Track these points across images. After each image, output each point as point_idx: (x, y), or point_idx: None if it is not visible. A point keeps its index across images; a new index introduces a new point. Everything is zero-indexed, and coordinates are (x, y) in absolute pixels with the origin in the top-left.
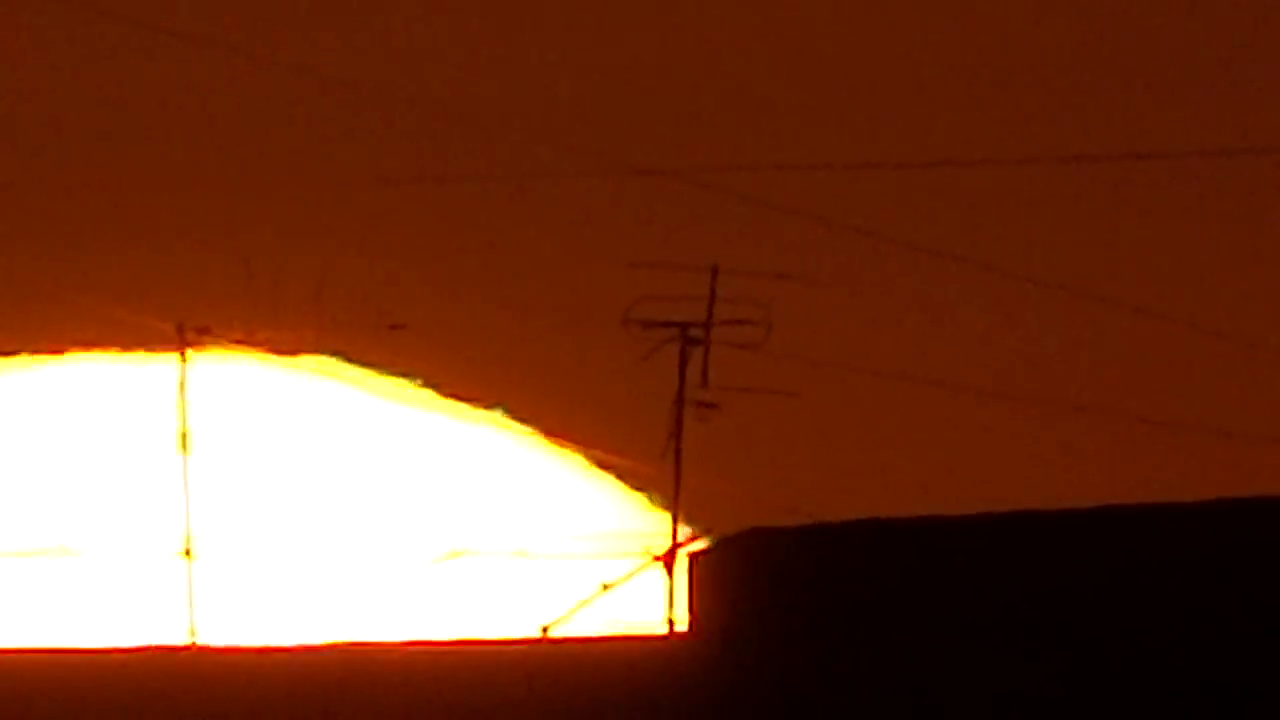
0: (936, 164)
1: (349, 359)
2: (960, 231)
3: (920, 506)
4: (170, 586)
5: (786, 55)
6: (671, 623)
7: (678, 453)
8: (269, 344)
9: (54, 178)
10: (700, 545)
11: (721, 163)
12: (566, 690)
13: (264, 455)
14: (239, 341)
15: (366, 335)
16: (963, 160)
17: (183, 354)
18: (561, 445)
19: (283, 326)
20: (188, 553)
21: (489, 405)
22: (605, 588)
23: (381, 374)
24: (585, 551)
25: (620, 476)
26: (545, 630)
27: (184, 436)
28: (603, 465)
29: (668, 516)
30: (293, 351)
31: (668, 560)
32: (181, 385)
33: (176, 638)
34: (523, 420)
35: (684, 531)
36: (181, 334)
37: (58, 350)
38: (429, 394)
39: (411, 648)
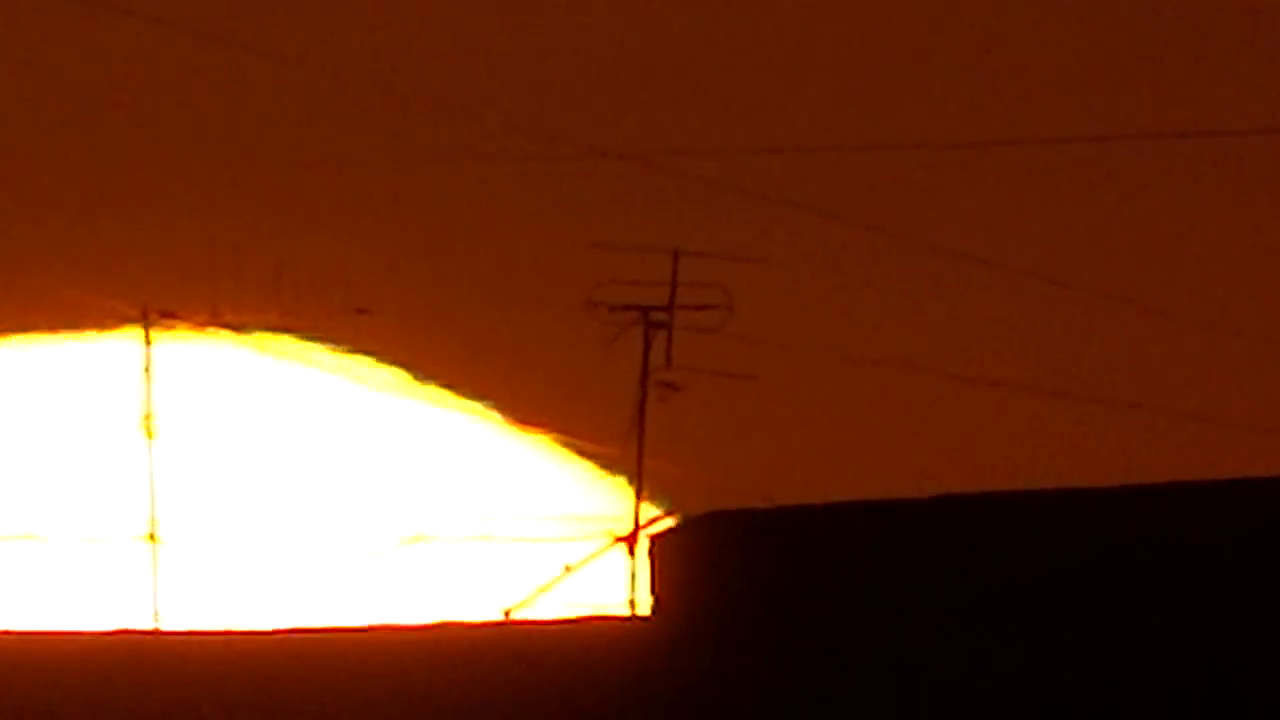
0: (899, 147)
1: (313, 342)
2: (923, 215)
3: (883, 489)
4: (134, 571)
5: (748, 39)
6: (634, 605)
7: (640, 435)
8: (233, 327)
9: (16, 161)
10: (662, 527)
11: (683, 146)
12: (529, 673)
13: (228, 439)
14: (203, 325)
15: (331, 318)
16: (925, 143)
17: (147, 337)
18: (524, 428)
19: (247, 310)
20: (152, 537)
21: (452, 388)
22: (568, 570)
23: (345, 357)
24: (548, 534)
25: (583, 459)
26: (507, 613)
27: (148, 420)
28: (566, 448)
29: (630, 498)
30: (257, 335)
31: (630, 542)
32: (146, 368)
33: (140, 622)
34: (486, 403)
35: (646, 514)
36: (146, 317)
37: (21, 333)
38: (392, 377)
39: (374, 631)
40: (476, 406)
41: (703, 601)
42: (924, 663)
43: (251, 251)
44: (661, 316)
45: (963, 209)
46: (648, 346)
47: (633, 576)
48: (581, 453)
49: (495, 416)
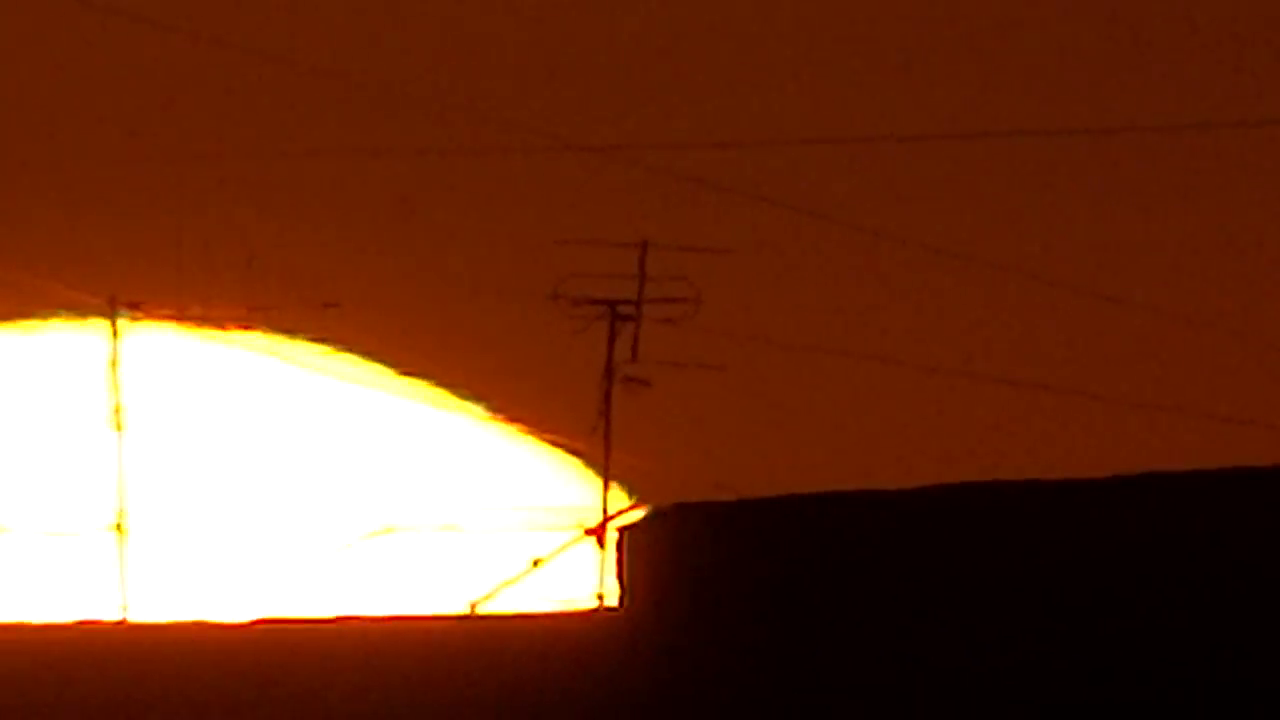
0: (865, 140)
1: (280, 334)
2: (889, 207)
3: (849, 480)
4: (102, 562)
5: (716, 34)
6: (601, 597)
7: (607, 427)
8: (201, 319)
9: None
10: (630, 519)
11: (651, 140)
12: (496, 666)
13: (196, 431)
14: (171, 316)
15: (298, 310)
16: (893, 136)
17: (115, 329)
18: (492, 420)
19: (215, 302)
20: (120, 528)
21: (419, 381)
22: (536, 564)
23: (313, 350)
24: (516, 525)
25: (551, 451)
26: (474, 606)
27: (116, 411)
28: (533, 440)
29: (598, 491)
30: (225, 327)
31: (598, 534)
32: (113, 360)
33: (108, 613)
34: (453, 396)
35: (614, 505)
36: (114, 309)
37: None
38: (359, 370)
39: (341, 623)
40: (444, 399)
41: (670, 593)
42: (891, 652)
43: (220, 244)
44: (628, 309)
45: (929, 202)
46: (613, 339)
47: (600, 569)
48: (549, 445)
49: (463, 409)
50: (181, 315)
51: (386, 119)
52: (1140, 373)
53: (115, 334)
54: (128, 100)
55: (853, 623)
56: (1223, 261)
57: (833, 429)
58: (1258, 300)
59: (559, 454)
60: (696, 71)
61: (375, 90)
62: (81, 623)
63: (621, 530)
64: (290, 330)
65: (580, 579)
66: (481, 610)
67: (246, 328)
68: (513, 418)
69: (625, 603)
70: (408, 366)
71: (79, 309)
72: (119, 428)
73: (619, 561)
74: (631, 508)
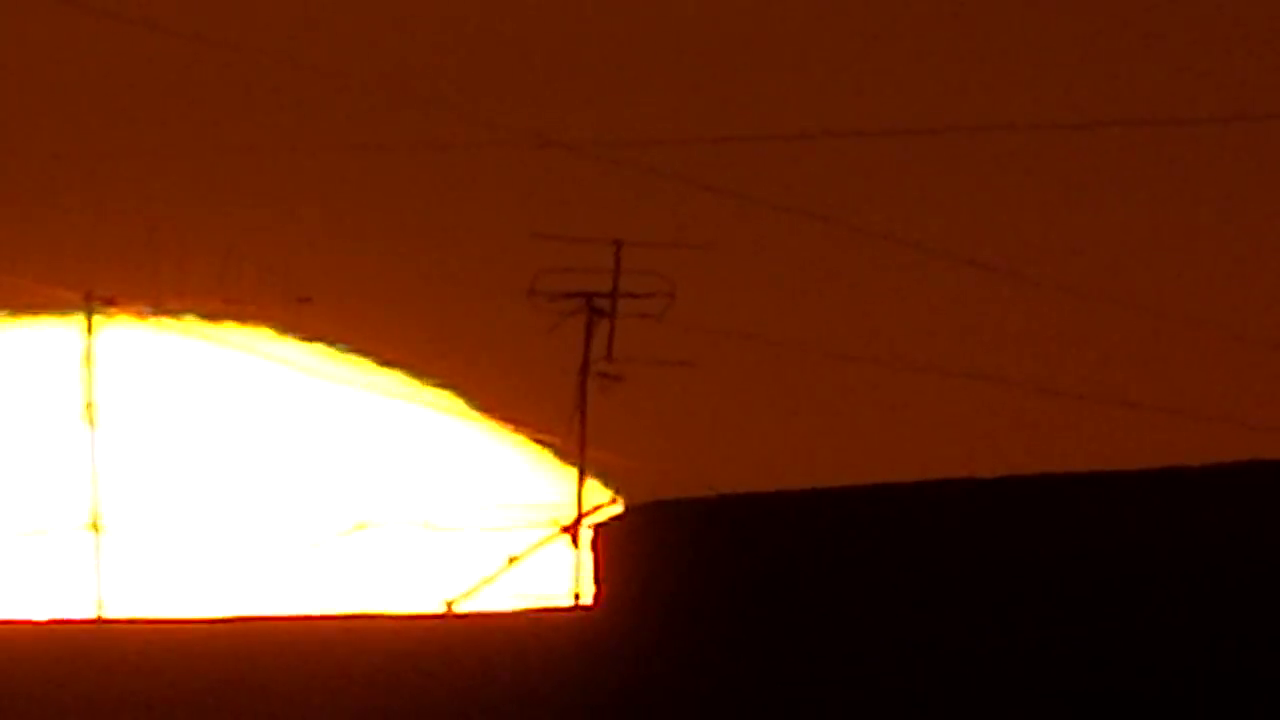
0: (839, 135)
1: (255, 329)
2: (865, 203)
3: (825, 477)
4: (77, 560)
5: (691, 30)
6: (577, 595)
7: (583, 424)
8: (176, 314)
9: None
10: (605, 516)
11: (625, 136)
12: (471, 664)
13: (171, 428)
14: (146, 312)
15: (273, 306)
16: (867, 131)
17: (89, 324)
18: (467, 416)
19: (189, 297)
20: (95, 526)
21: (394, 377)
22: (511, 561)
23: (288, 345)
24: (491, 523)
25: (526, 447)
26: (450, 604)
27: (90, 408)
28: (508, 436)
29: (573, 488)
30: (200, 322)
31: (573, 531)
32: (88, 356)
33: (83, 611)
34: (428, 391)
35: (589, 502)
36: (88, 304)
37: None
38: (334, 366)
39: (316, 621)
40: (419, 395)
41: (646, 590)
42: (868, 649)
43: (195, 239)
44: (604, 304)
45: (904, 196)
46: (589, 335)
47: (576, 566)
48: (524, 441)
49: (438, 405)
50: (156, 310)
51: (363, 114)
52: (1110, 369)
53: (90, 329)
54: (102, 95)
55: (830, 620)
56: (1218, 259)
57: (808, 425)
58: (1253, 299)
59: (534, 450)
60: (671, 67)
61: (351, 85)
62: (56, 621)
63: (597, 527)
64: (265, 325)
65: (556, 576)
66: (457, 608)
67: (222, 323)
68: (488, 412)
69: (600, 600)
70: (381, 362)
71: (54, 305)
72: (92, 424)
73: (595, 559)
74: (607, 505)
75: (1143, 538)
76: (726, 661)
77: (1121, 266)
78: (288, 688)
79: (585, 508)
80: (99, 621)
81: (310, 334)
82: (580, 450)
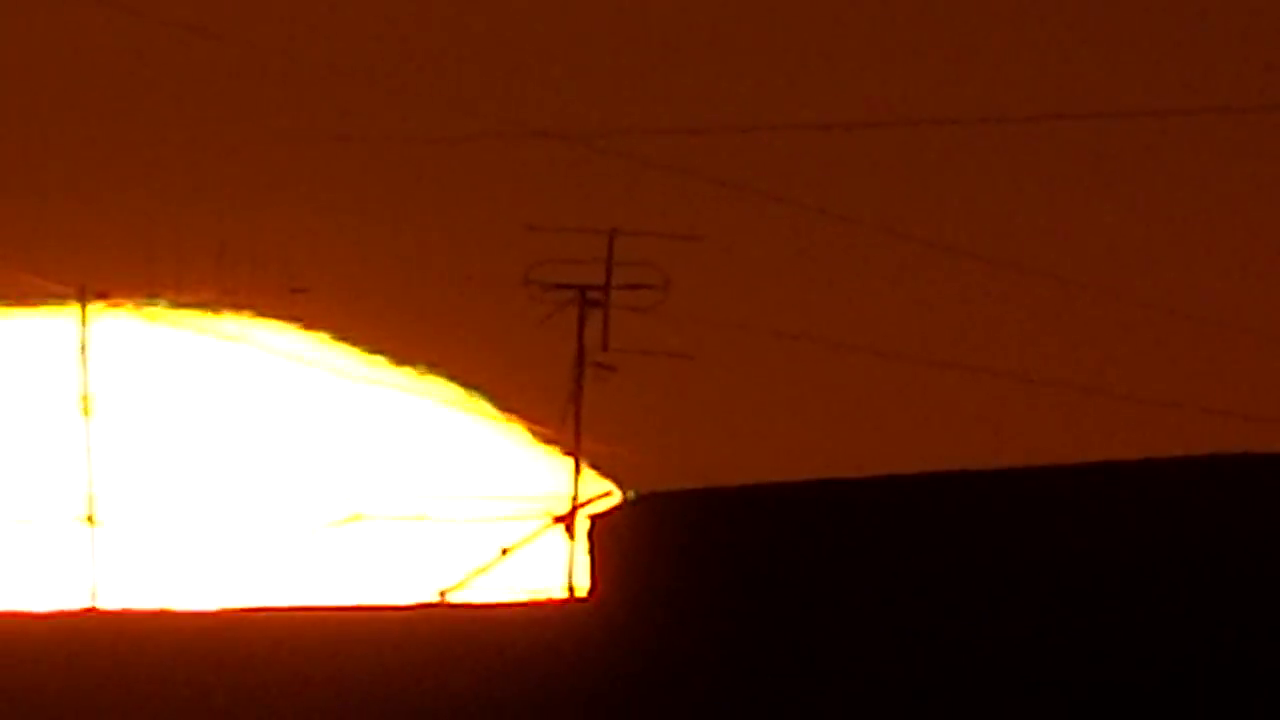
0: (832, 126)
1: (249, 321)
2: (857, 194)
3: (820, 469)
4: (72, 551)
5: (685, 19)
6: (572, 587)
7: (577, 415)
8: (171, 306)
9: None
10: (600, 508)
11: (619, 126)
12: (465, 655)
13: (166, 419)
14: (141, 304)
15: (267, 297)
16: (860, 122)
17: (84, 316)
18: (461, 407)
19: (184, 289)
20: (90, 518)
21: (389, 367)
22: (505, 552)
23: (283, 336)
24: (486, 514)
25: (520, 438)
26: (443, 595)
27: (85, 400)
28: (503, 426)
29: (568, 478)
30: (195, 314)
31: (568, 523)
32: (83, 348)
33: (78, 602)
34: (423, 381)
35: (584, 494)
36: (83, 297)
37: None
38: (329, 357)
39: (311, 612)
40: (413, 385)
41: (640, 582)
42: (864, 640)
43: (189, 231)
44: (597, 295)
45: (899, 188)
46: (582, 325)
47: (571, 557)
48: (518, 432)
49: (432, 395)
50: (151, 302)
51: (356, 105)
52: (1107, 361)
53: (84, 321)
54: (96, 88)
55: (825, 611)
56: (1213, 251)
57: (803, 416)
58: (1249, 291)
59: (529, 440)
60: (665, 58)
61: (345, 77)
62: (52, 612)
63: (592, 519)
64: (259, 316)
65: (550, 568)
66: (451, 599)
67: (216, 314)
68: (482, 403)
69: (595, 591)
70: (376, 353)
71: (48, 296)
72: (88, 416)
73: (590, 550)
74: (602, 496)
75: (1138, 529)
76: (721, 653)
77: (1119, 259)
78: (282, 678)
79: (580, 498)
80: (94, 612)
81: (304, 325)
82: (575, 441)
